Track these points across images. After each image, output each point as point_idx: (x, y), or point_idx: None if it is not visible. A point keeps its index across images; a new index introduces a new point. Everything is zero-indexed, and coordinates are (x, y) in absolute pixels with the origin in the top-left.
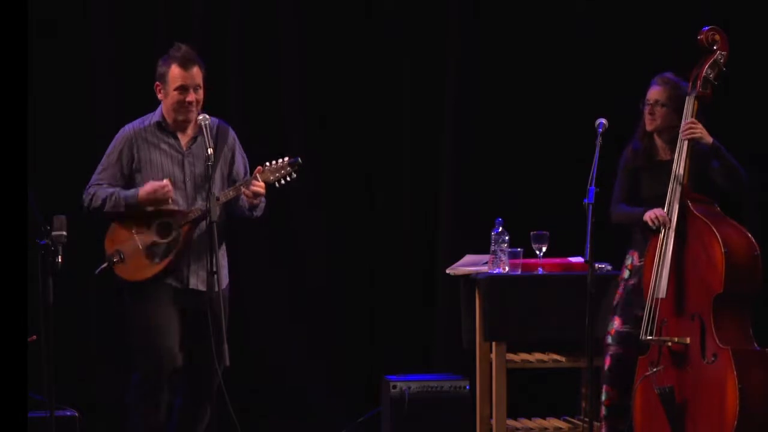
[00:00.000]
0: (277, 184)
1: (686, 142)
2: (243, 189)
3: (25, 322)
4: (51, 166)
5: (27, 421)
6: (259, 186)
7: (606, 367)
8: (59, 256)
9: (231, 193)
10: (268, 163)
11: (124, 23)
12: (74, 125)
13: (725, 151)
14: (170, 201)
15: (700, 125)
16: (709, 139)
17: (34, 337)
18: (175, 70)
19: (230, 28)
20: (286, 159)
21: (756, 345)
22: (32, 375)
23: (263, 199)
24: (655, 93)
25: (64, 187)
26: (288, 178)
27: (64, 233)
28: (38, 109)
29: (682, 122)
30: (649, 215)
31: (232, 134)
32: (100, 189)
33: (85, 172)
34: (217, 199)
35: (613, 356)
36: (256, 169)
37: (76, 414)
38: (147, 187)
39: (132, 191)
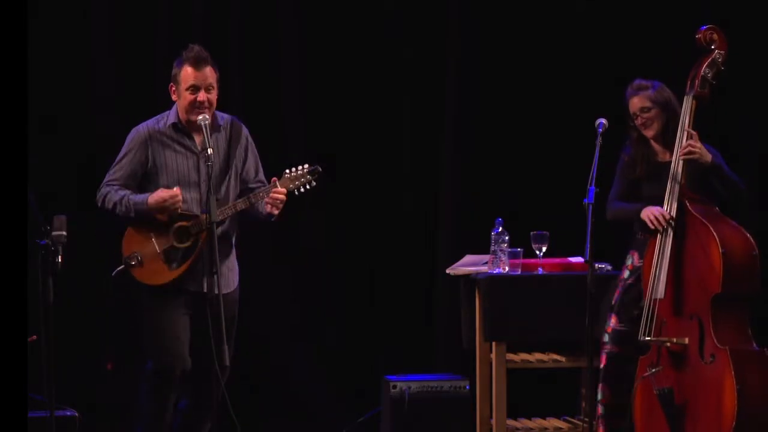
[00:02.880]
0: (296, 192)
1: (684, 141)
2: (265, 198)
3: (25, 322)
4: (51, 166)
5: (27, 421)
6: (280, 193)
7: (602, 365)
8: (59, 256)
9: (240, 205)
10: (287, 171)
11: (124, 23)
12: (74, 125)
13: (725, 168)
14: (179, 210)
15: (699, 144)
16: (708, 158)
17: (34, 337)
18: (187, 71)
19: (230, 28)
20: (306, 167)
21: (755, 345)
22: (32, 375)
23: None
24: (636, 102)
25: (64, 187)
26: (308, 186)
27: (64, 233)
28: (38, 109)
29: (680, 126)
30: (648, 215)
31: (245, 132)
32: (112, 191)
33: (85, 172)
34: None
35: (609, 355)
36: (272, 180)
37: (76, 414)
38: (156, 196)
39: (141, 197)
